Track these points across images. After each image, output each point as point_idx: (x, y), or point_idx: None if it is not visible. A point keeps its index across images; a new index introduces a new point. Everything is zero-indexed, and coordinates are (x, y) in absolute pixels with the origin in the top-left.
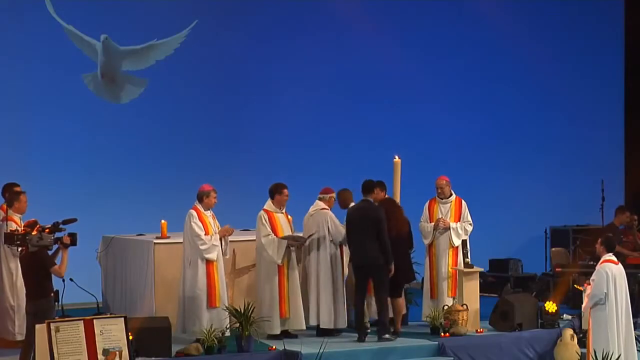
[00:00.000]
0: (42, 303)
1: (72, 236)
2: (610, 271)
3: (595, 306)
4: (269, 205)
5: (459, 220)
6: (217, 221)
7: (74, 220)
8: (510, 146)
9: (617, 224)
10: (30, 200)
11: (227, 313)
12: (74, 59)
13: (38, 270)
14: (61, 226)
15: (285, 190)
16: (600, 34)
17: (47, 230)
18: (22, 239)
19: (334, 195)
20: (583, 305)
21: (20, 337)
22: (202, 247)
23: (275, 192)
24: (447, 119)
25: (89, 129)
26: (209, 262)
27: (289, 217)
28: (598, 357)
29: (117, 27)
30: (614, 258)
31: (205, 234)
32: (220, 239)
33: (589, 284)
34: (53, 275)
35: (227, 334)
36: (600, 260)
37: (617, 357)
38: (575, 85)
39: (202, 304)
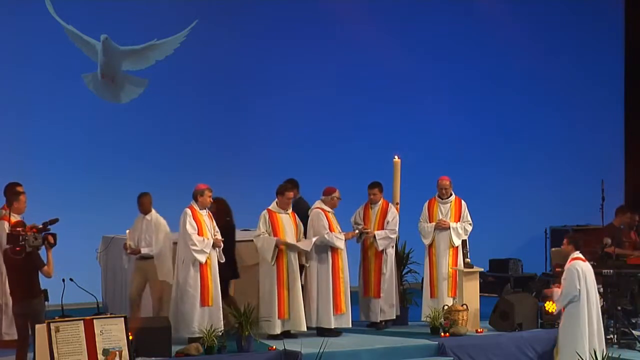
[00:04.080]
0: (35, 303)
1: (54, 236)
2: (581, 268)
3: (569, 304)
4: (273, 205)
5: (459, 220)
6: (214, 221)
7: (57, 220)
8: (511, 146)
9: (616, 224)
10: (30, 200)
11: (221, 312)
12: (74, 59)
13: (31, 270)
14: (48, 226)
15: (287, 193)
16: (600, 34)
17: (35, 230)
18: (24, 239)
19: (336, 194)
20: (556, 307)
21: (7, 337)
22: (192, 248)
23: (277, 193)
24: (447, 119)
25: (89, 129)
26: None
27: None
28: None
29: (117, 27)
30: (582, 256)
31: (198, 234)
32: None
33: (559, 287)
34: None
35: (220, 333)
36: (569, 259)
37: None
38: (575, 86)
39: (196, 303)
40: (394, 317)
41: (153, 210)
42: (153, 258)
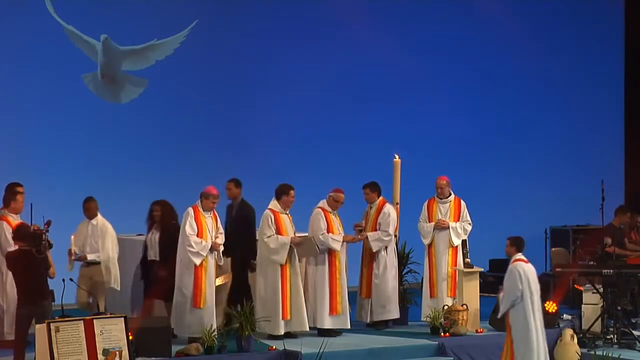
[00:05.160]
0: (45, 305)
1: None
2: (522, 270)
3: (513, 306)
4: (274, 205)
5: (458, 220)
6: (219, 223)
7: (51, 221)
8: (511, 146)
9: (616, 225)
10: (30, 200)
11: (214, 315)
12: (74, 59)
13: (42, 272)
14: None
15: (292, 192)
16: (600, 34)
17: (41, 231)
18: (45, 239)
19: (334, 195)
20: (500, 310)
21: (9, 337)
22: (188, 249)
23: (282, 192)
24: (447, 118)
25: (89, 129)
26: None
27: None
28: None
29: (117, 27)
30: (524, 257)
31: (197, 235)
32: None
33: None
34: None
35: (215, 335)
36: (512, 260)
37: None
38: (575, 86)
39: (187, 304)
40: (386, 319)
41: (99, 215)
42: (99, 264)
